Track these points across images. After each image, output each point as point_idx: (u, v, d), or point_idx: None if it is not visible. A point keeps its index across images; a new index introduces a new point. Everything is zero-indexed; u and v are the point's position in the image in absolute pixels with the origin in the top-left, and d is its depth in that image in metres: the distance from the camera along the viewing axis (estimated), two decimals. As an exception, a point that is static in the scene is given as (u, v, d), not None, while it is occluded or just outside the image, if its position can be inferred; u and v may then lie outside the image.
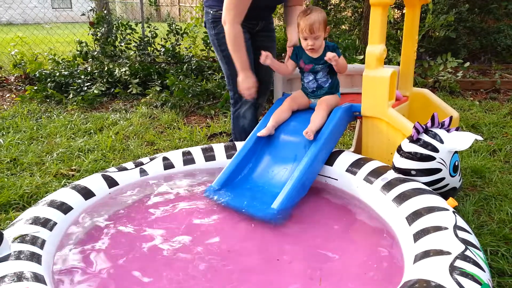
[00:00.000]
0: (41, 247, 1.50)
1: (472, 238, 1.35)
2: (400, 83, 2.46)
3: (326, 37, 2.17)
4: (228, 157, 2.30)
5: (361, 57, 4.76)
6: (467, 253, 1.25)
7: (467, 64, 4.90)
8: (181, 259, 1.61)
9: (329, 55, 2.04)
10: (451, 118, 1.79)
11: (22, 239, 1.48)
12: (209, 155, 2.33)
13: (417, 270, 1.23)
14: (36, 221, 1.61)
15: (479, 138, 1.68)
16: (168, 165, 2.26)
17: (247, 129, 2.56)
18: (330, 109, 2.16)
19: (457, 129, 1.77)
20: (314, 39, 2.09)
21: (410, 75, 2.46)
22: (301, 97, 2.31)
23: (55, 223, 1.65)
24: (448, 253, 1.25)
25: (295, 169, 1.97)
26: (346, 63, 2.17)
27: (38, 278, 1.30)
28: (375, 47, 2.01)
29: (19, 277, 1.27)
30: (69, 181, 2.58)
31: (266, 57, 2.18)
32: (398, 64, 2.90)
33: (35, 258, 1.42)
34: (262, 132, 2.17)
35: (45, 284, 1.29)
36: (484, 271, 1.21)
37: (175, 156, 2.30)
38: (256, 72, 2.49)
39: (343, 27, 6.86)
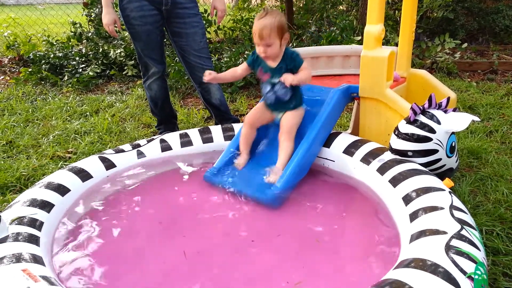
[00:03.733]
0: (39, 229, 1.50)
1: (468, 217, 1.37)
2: (398, 64, 2.44)
3: (288, 44, 2.00)
4: (226, 138, 2.30)
5: (359, 38, 4.71)
6: (463, 232, 1.26)
7: (465, 45, 4.86)
8: (178, 239, 1.62)
9: (285, 78, 1.86)
10: (448, 99, 1.78)
11: (20, 221, 1.49)
12: (206, 137, 2.33)
13: (413, 249, 1.24)
14: (33, 203, 1.61)
15: (476, 119, 1.68)
16: (165, 147, 2.25)
17: (154, 99, 2.81)
18: (294, 134, 2.00)
19: (454, 110, 1.77)
20: (265, 46, 1.90)
21: (408, 56, 2.44)
22: (263, 113, 2.12)
23: (52, 205, 1.65)
24: (444, 232, 1.26)
25: (294, 152, 1.97)
26: (309, 75, 1.94)
27: (36, 259, 1.31)
28: (374, 27, 1.99)
29: (18, 258, 1.28)
30: (66, 163, 2.58)
31: (209, 75, 2.05)
32: (396, 45, 2.87)
33: (33, 239, 1.42)
34: (240, 163, 2.07)
35: (44, 265, 1.30)
36: (480, 250, 1.22)
37: (173, 138, 2.30)
38: (184, 60, 2.70)
39: (341, 7, 6.78)
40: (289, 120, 2.01)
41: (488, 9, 6.10)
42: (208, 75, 2.06)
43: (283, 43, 1.93)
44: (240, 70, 2.12)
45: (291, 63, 1.96)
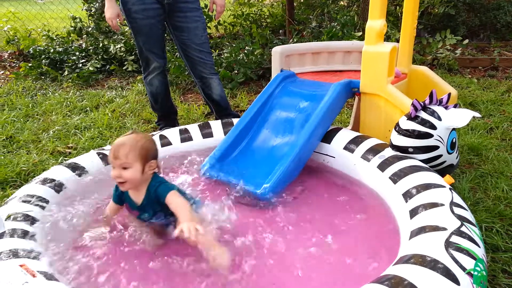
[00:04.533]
0: (35, 224, 1.50)
1: (468, 214, 1.37)
2: (399, 60, 2.43)
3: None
4: (226, 134, 2.29)
5: (360, 33, 4.70)
6: (463, 229, 1.26)
7: (466, 41, 4.85)
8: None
9: (183, 230, 1.34)
10: (449, 95, 1.78)
11: (16, 217, 1.48)
12: (206, 132, 2.33)
13: (413, 245, 1.24)
14: (30, 199, 1.61)
15: (477, 115, 1.68)
16: (165, 143, 2.25)
17: (155, 95, 2.80)
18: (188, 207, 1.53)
19: (455, 107, 1.76)
20: (120, 168, 1.48)
21: (409, 52, 2.43)
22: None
23: (48, 201, 1.65)
24: (444, 229, 1.26)
25: (291, 146, 1.97)
26: (186, 207, 1.49)
27: (34, 255, 1.31)
28: (375, 22, 1.98)
29: (15, 253, 1.28)
30: (66, 158, 2.57)
31: None
32: (397, 41, 2.86)
33: (30, 235, 1.42)
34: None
35: (41, 260, 1.30)
36: (479, 247, 1.22)
37: (172, 134, 2.29)
38: (184, 55, 2.69)
39: (342, 3, 6.75)
40: (173, 202, 1.51)
41: (490, 5, 6.08)
42: None
43: (147, 172, 1.52)
44: (109, 211, 1.68)
45: (155, 200, 1.54)
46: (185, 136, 2.29)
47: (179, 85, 4.23)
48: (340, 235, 1.62)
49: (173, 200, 1.50)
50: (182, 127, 2.35)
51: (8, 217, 1.48)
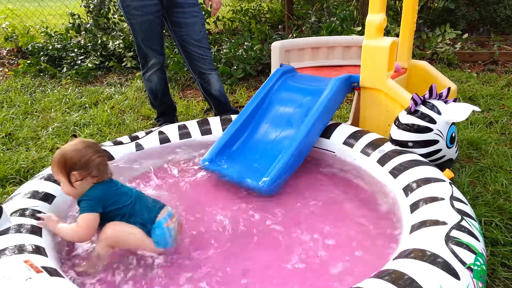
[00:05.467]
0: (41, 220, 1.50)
1: (468, 208, 1.37)
2: (399, 55, 2.43)
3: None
4: (225, 130, 2.29)
5: (359, 28, 4.68)
6: (463, 223, 1.26)
7: (466, 35, 4.84)
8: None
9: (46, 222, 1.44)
10: (449, 89, 1.78)
11: (22, 212, 1.49)
12: (205, 129, 2.32)
13: (413, 240, 1.24)
14: (34, 195, 1.61)
15: (477, 109, 1.68)
16: (164, 139, 2.25)
17: (154, 91, 2.80)
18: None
19: (454, 101, 1.76)
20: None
21: (409, 46, 2.43)
22: None
23: (54, 197, 1.65)
24: (444, 223, 1.26)
25: (290, 141, 1.97)
26: (72, 234, 1.44)
27: (39, 250, 1.31)
28: (375, 16, 1.97)
29: (20, 249, 1.28)
30: (65, 155, 2.57)
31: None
32: (397, 35, 2.86)
33: (36, 231, 1.42)
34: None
35: (46, 256, 1.31)
36: (479, 241, 1.23)
37: (171, 130, 2.29)
38: (183, 51, 2.69)
39: (341, -3, 6.73)
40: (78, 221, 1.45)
41: (489, -1, 6.05)
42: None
43: (76, 183, 1.45)
44: None
45: None
46: (184, 132, 2.29)
47: (178, 81, 4.22)
48: (339, 229, 1.62)
49: (78, 220, 1.43)
50: (181, 123, 2.35)
51: (14, 213, 1.48)
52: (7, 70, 4.95)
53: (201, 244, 1.56)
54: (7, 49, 5.64)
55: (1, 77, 4.70)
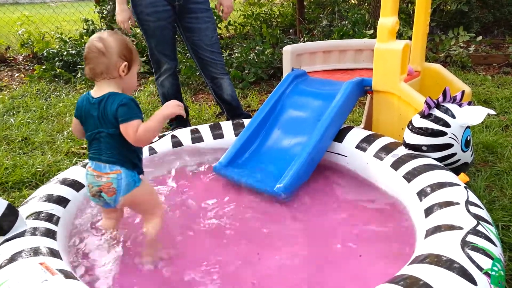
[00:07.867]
0: (56, 223, 1.52)
1: (484, 213, 1.35)
2: (412, 58, 2.41)
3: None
4: (237, 135, 2.29)
5: (371, 32, 4.66)
6: (479, 228, 1.24)
7: (480, 38, 4.78)
8: (188, 234, 1.64)
9: None
10: (463, 92, 1.76)
11: (37, 216, 1.51)
12: (217, 133, 2.33)
13: (428, 244, 1.23)
14: (49, 198, 1.63)
15: (492, 112, 1.65)
16: (176, 143, 2.26)
17: (167, 96, 2.78)
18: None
19: (469, 104, 1.74)
20: None
21: (422, 49, 2.41)
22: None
23: (68, 200, 1.67)
24: (460, 228, 1.24)
25: (304, 146, 1.96)
26: None
27: (53, 253, 1.33)
28: (388, 19, 1.97)
29: (36, 252, 1.30)
30: (80, 159, 2.60)
31: None
32: (409, 38, 2.83)
33: (50, 234, 1.44)
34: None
35: (61, 259, 1.32)
36: (496, 246, 1.21)
37: (184, 134, 2.30)
38: (195, 56, 2.70)
39: (352, 1, 6.71)
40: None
41: (504, 1, 5.97)
42: None
43: (124, 74, 1.45)
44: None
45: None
46: (196, 136, 2.30)
47: (190, 85, 4.24)
48: (354, 235, 1.61)
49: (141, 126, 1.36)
50: (193, 127, 2.36)
51: (29, 216, 1.50)
52: (23, 75, 5.04)
53: (213, 243, 1.56)
54: (23, 55, 5.74)
55: (18, 83, 4.78)
